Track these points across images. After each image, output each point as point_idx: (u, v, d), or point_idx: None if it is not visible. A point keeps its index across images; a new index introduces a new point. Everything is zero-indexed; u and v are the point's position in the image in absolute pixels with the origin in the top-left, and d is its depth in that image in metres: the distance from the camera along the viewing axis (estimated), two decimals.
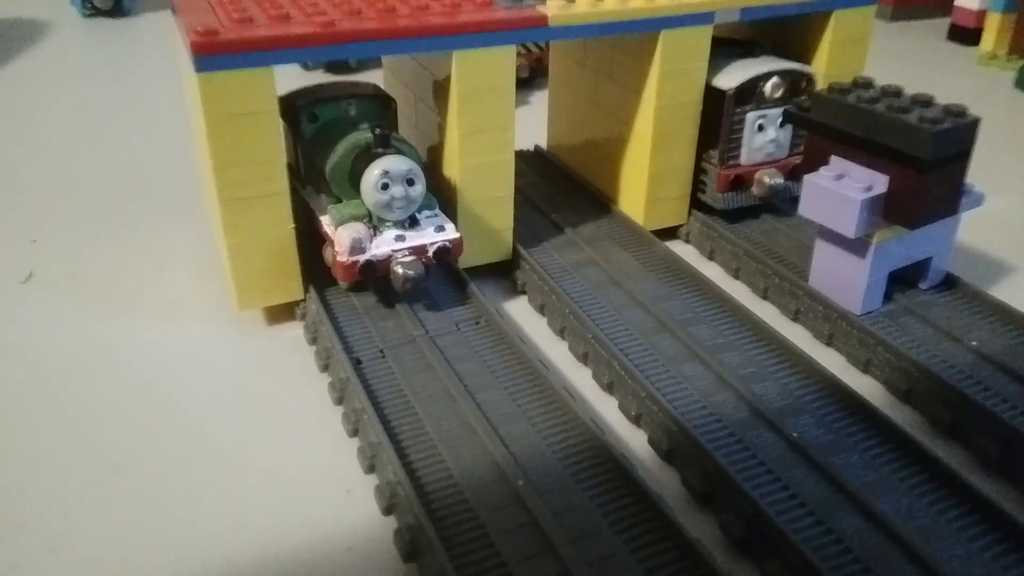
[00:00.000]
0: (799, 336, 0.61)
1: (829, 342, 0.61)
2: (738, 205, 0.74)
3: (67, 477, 0.50)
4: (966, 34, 1.36)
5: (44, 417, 0.54)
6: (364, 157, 0.59)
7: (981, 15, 1.33)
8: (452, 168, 0.64)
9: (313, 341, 0.60)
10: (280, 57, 0.55)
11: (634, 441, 0.52)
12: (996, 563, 0.42)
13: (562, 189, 0.82)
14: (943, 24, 1.42)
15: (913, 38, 1.41)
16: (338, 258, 0.58)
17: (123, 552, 0.45)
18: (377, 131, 0.59)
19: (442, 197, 0.64)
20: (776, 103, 0.70)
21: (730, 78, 0.69)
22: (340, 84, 0.68)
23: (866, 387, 0.56)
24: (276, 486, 0.49)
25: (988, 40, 1.29)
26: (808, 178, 0.60)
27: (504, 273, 0.69)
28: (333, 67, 1.19)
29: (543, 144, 0.90)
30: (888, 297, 0.62)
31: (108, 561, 0.44)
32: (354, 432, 0.52)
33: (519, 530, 0.44)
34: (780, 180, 0.72)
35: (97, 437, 0.53)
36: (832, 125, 0.59)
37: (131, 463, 0.51)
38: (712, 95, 0.70)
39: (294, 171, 0.65)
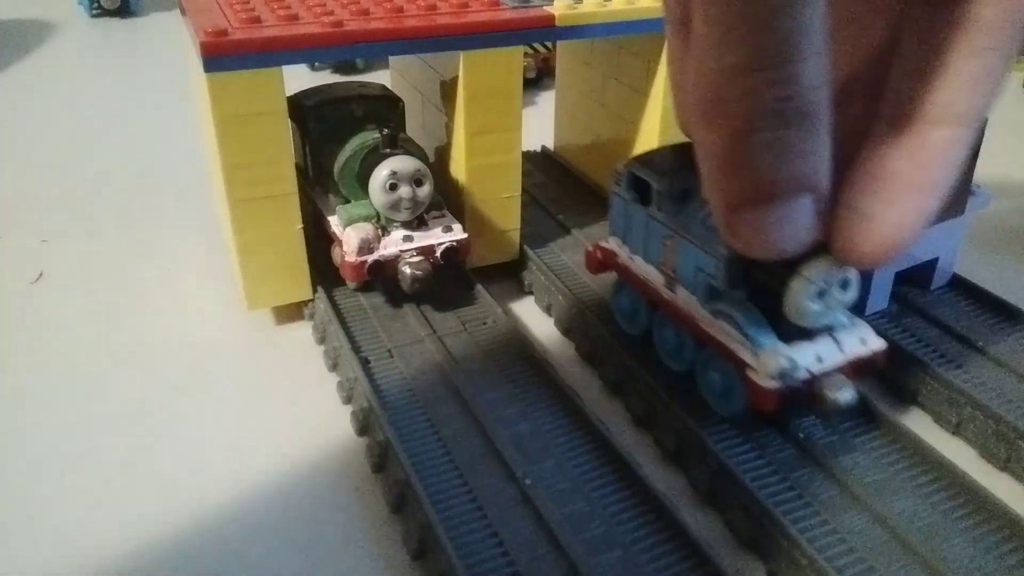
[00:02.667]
0: None
1: None
2: None
3: (76, 473, 0.50)
4: None
5: (53, 414, 0.55)
6: (372, 157, 0.59)
7: None
8: (459, 169, 0.65)
9: (321, 341, 0.60)
10: (289, 57, 0.55)
11: (641, 441, 0.53)
12: (1001, 562, 0.42)
13: (569, 190, 0.82)
14: None
15: None
16: (346, 258, 0.58)
17: (131, 547, 0.45)
18: (385, 131, 0.59)
19: (449, 197, 0.64)
20: None
21: None
22: (348, 84, 0.68)
23: (872, 387, 0.56)
24: (284, 484, 0.49)
25: None
26: None
27: (511, 273, 0.70)
28: (340, 67, 1.19)
29: (550, 145, 0.90)
30: (895, 297, 0.62)
31: (117, 555, 0.45)
32: (362, 431, 0.52)
33: (526, 528, 0.44)
34: None
35: (106, 434, 0.53)
36: None
37: (139, 460, 0.51)
38: None
39: (302, 171, 0.65)
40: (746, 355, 0.47)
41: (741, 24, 0.24)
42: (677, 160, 0.53)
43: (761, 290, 0.47)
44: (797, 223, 0.27)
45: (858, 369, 0.49)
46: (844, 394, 0.46)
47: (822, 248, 0.30)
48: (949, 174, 0.28)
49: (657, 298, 0.54)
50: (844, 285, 0.45)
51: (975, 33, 0.26)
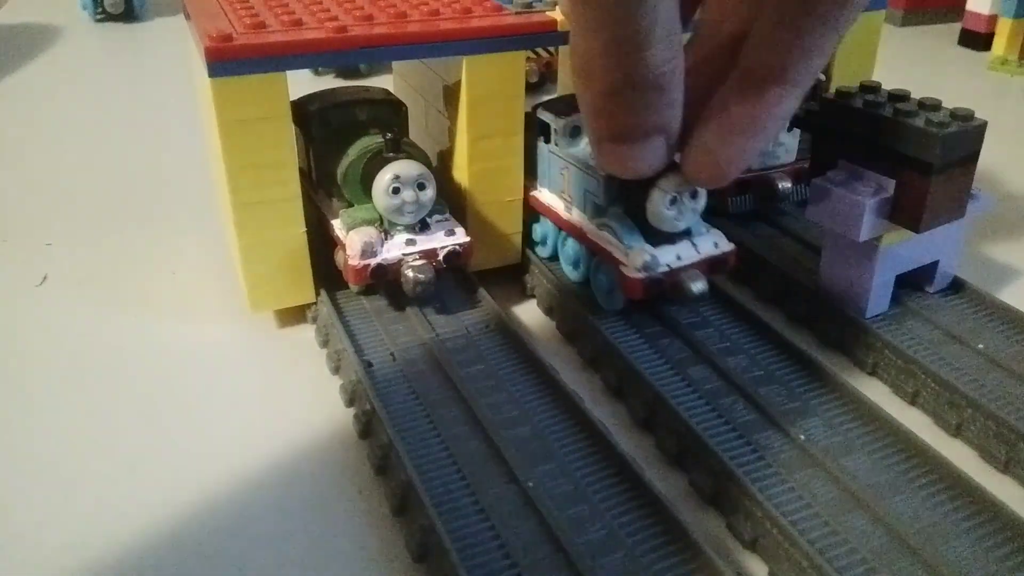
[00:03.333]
0: (806, 339, 0.62)
1: (836, 345, 0.61)
2: (745, 209, 0.74)
3: (83, 477, 0.50)
4: (977, 39, 1.36)
5: (60, 418, 0.55)
6: (375, 161, 0.59)
7: (992, 20, 1.33)
8: (462, 172, 0.65)
9: (324, 344, 0.61)
10: (293, 62, 0.55)
11: (642, 443, 0.53)
12: (1003, 564, 0.42)
13: None
14: (954, 29, 1.42)
15: (924, 43, 1.41)
16: (349, 262, 0.58)
17: (138, 550, 0.46)
18: (388, 136, 0.59)
19: (452, 201, 0.65)
20: None
21: None
22: (351, 89, 0.68)
23: (873, 389, 0.56)
24: (286, 486, 0.50)
25: (999, 45, 1.29)
26: (816, 181, 0.60)
27: (513, 277, 0.70)
28: (343, 72, 1.19)
29: None
30: (895, 300, 0.62)
31: (123, 558, 0.45)
32: (364, 434, 0.52)
33: (529, 531, 0.44)
34: (788, 184, 0.72)
35: (113, 437, 0.53)
36: (839, 129, 0.60)
37: (145, 463, 0.51)
38: None
39: (306, 175, 0.66)
40: (621, 256, 0.58)
41: (600, 18, 0.30)
42: (571, 105, 0.63)
43: (634, 206, 0.58)
44: (650, 156, 0.34)
45: (712, 266, 0.60)
46: (697, 284, 0.57)
47: (677, 165, 0.37)
48: (776, 124, 0.34)
49: (559, 220, 0.65)
50: (694, 195, 0.57)
51: (811, 14, 0.32)
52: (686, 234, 0.59)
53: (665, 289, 0.58)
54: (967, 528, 0.44)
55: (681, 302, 0.60)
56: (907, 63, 1.28)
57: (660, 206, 0.56)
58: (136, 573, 0.44)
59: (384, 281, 0.60)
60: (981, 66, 1.29)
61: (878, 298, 0.61)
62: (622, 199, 0.60)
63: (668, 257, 0.58)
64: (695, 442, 0.50)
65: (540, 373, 0.56)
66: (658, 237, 0.58)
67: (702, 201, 0.58)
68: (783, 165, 0.73)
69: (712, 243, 0.60)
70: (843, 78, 0.73)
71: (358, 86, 0.70)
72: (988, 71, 1.27)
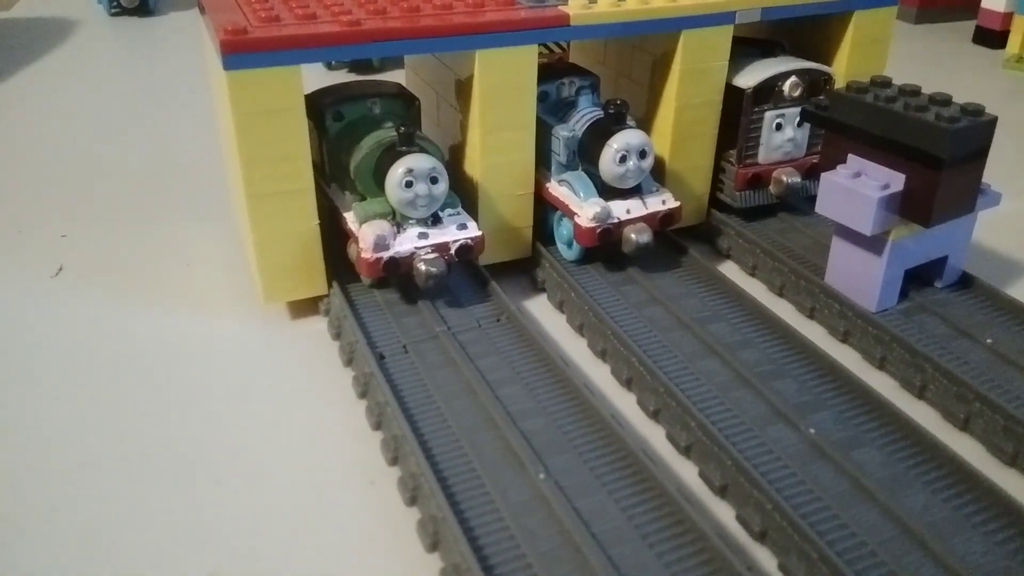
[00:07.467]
0: (815, 333, 0.62)
1: (845, 339, 0.61)
2: (756, 203, 0.74)
3: (99, 464, 0.51)
4: (992, 37, 1.35)
5: (76, 407, 0.56)
6: (388, 155, 0.60)
7: (1007, 18, 1.32)
8: (474, 166, 0.65)
9: (337, 336, 0.61)
10: (307, 56, 0.56)
11: (652, 436, 0.53)
12: (1013, 559, 0.43)
13: None
14: (968, 27, 1.42)
15: (938, 40, 1.41)
16: (362, 255, 0.59)
17: (152, 536, 0.46)
18: (401, 129, 0.60)
19: (464, 195, 0.65)
20: (794, 102, 0.71)
21: (749, 77, 0.70)
22: (365, 83, 0.69)
23: (881, 384, 0.56)
24: (301, 476, 0.50)
25: (1014, 43, 1.29)
26: (825, 176, 0.60)
27: (524, 270, 0.70)
28: (356, 66, 1.19)
29: None
30: (904, 295, 0.63)
31: (138, 544, 0.46)
32: (377, 425, 0.53)
33: (540, 522, 0.44)
34: (797, 179, 0.72)
35: (127, 426, 0.54)
36: (850, 123, 0.60)
37: (160, 451, 0.52)
38: (731, 94, 0.70)
39: (319, 169, 0.66)
40: (576, 208, 0.65)
41: None
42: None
43: (591, 165, 0.66)
44: None
45: (661, 221, 0.66)
46: (642, 236, 0.64)
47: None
48: None
49: (543, 192, 0.69)
50: (642, 155, 0.64)
51: None
52: (637, 191, 0.66)
53: (614, 239, 0.65)
54: (976, 522, 0.45)
55: (628, 252, 0.65)
56: (921, 61, 1.28)
57: (610, 162, 0.63)
58: (148, 560, 0.45)
59: (396, 274, 0.60)
60: (995, 64, 1.28)
61: (887, 292, 0.61)
62: (581, 159, 0.67)
63: (619, 210, 0.65)
64: (705, 435, 0.50)
65: (551, 366, 0.56)
66: (611, 193, 0.65)
67: (649, 160, 0.65)
68: (793, 159, 0.73)
69: (660, 200, 0.67)
70: (854, 75, 0.73)
71: (371, 80, 0.70)
72: (1002, 70, 1.27)
